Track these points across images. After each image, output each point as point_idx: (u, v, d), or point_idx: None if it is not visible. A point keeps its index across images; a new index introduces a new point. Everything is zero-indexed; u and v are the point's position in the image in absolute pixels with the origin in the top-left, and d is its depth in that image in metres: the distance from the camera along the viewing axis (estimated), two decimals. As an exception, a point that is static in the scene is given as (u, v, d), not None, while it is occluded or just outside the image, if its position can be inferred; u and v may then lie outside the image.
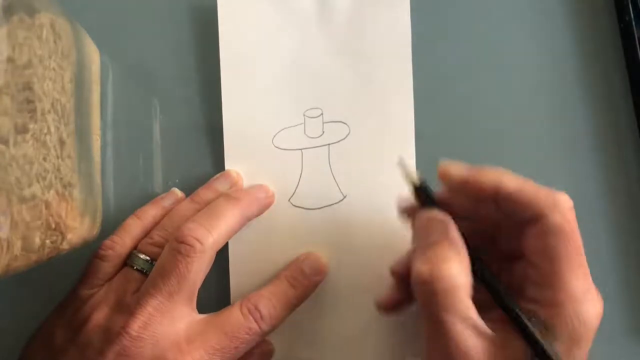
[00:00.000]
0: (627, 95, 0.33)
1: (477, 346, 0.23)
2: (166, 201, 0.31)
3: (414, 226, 0.26)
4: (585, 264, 0.24)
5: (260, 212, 0.31)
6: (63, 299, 0.29)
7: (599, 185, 0.33)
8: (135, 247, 0.30)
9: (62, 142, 0.25)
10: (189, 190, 0.31)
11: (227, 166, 0.32)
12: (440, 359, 0.23)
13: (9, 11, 0.21)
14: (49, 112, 0.24)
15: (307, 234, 0.31)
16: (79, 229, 0.27)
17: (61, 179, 0.25)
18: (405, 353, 0.31)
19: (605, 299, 0.32)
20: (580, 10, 0.34)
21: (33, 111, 0.23)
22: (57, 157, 0.25)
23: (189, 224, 0.28)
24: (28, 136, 0.22)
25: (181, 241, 0.27)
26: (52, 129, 0.24)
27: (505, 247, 0.26)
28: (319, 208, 0.32)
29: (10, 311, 0.31)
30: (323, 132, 0.32)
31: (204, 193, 0.31)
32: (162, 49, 0.33)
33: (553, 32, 0.34)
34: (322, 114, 0.32)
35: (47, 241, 0.24)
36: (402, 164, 0.26)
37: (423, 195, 0.26)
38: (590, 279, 0.24)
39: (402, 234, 0.30)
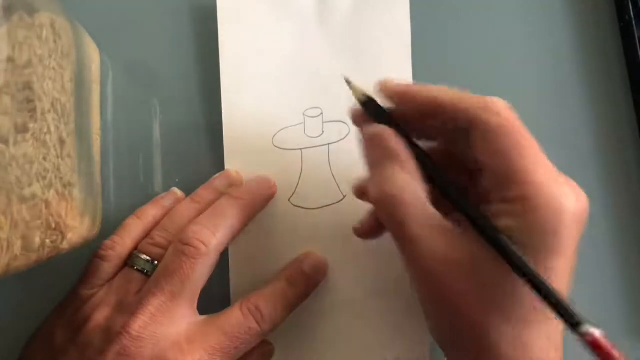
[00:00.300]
0: (627, 95, 0.33)
1: (443, 246, 0.23)
2: (166, 201, 0.31)
3: (360, 144, 0.26)
4: (545, 159, 0.23)
5: (264, 206, 0.31)
6: (63, 299, 0.29)
7: (599, 185, 0.33)
8: (135, 248, 0.30)
9: (62, 142, 0.25)
10: (189, 190, 0.31)
11: (227, 166, 0.32)
12: (415, 270, 0.24)
13: (9, 10, 0.21)
14: (49, 111, 0.24)
15: (307, 234, 0.31)
16: (79, 228, 0.27)
17: (61, 178, 0.25)
18: (407, 351, 0.31)
19: (606, 299, 0.32)
20: (580, 9, 0.34)
21: (33, 111, 0.23)
22: (57, 157, 0.25)
23: (193, 226, 0.28)
24: (28, 136, 0.22)
25: (186, 243, 0.27)
26: (52, 129, 0.24)
27: (466, 162, 0.25)
28: (318, 208, 0.32)
29: (10, 311, 0.31)
30: (323, 131, 0.32)
31: (204, 192, 0.31)
32: (162, 49, 0.33)
33: (553, 31, 0.34)
34: (322, 113, 0.32)
35: (47, 241, 0.24)
36: (348, 81, 0.26)
37: (372, 111, 0.26)
38: (558, 174, 0.23)
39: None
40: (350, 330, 0.31)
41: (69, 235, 0.26)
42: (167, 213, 0.31)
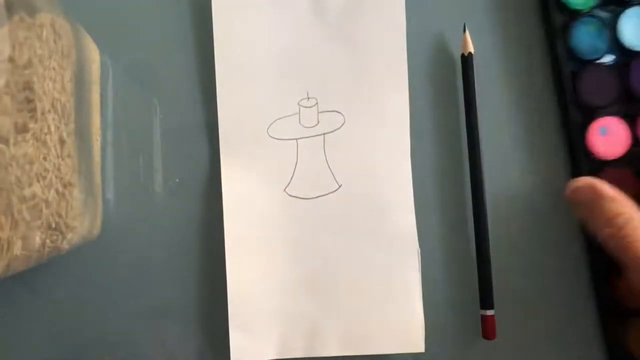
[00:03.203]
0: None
1: None
2: None
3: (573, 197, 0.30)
4: None
5: None
6: None
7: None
8: None
9: (62, 142, 0.25)
10: (189, 189, 0.31)
11: (222, 156, 0.32)
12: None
13: (9, 11, 0.21)
14: (49, 111, 0.24)
15: (302, 224, 0.31)
16: (79, 228, 0.27)
17: (61, 178, 0.25)
18: (402, 339, 0.31)
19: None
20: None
21: (33, 111, 0.23)
22: (57, 157, 0.25)
23: None
24: (28, 136, 0.22)
25: None
26: (52, 129, 0.24)
27: None
28: (314, 198, 0.32)
29: (10, 312, 0.31)
30: (318, 121, 0.32)
31: None
32: (162, 49, 0.33)
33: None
34: (316, 103, 0.32)
35: (47, 241, 0.24)
36: None
37: None
38: None
39: (397, 223, 0.31)
40: (348, 320, 0.31)
41: (69, 235, 0.26)
42: None
